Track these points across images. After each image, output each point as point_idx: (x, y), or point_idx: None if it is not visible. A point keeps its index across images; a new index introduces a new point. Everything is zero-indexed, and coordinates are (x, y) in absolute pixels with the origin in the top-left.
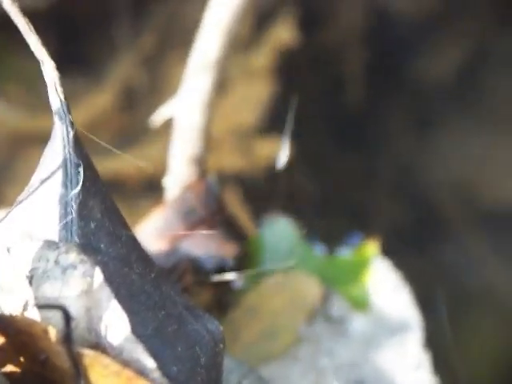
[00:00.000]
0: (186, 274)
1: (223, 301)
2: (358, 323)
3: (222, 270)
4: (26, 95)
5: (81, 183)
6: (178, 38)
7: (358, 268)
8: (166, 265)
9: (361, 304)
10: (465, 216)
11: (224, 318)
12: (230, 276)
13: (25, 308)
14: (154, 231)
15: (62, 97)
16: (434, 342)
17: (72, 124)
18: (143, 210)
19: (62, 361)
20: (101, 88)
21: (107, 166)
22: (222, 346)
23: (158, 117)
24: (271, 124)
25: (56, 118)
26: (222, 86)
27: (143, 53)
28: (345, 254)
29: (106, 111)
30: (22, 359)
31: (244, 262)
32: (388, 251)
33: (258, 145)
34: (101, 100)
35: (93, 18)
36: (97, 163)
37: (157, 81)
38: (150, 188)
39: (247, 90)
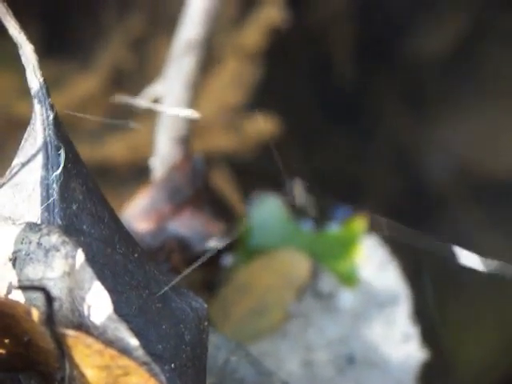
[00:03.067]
0: (173, 254)
1: (212, 279)
2: (347, 298)
3: (209, 249)
4: (17, 78)
5: (62, 165)
6: (166, 20)
7: (346, 243)
8: (153, 244)
9: (349, 279)
10: (457, 191)
11: (214, 297)
12: (218, 254)
13: (8, 290)
14: (140, 211)
15: (41, 80)
16: (422, 315)
17: (52, 107)
18: (131, 192)
19: (46, 342)
20: (88, 71)
21: (95, 150)
22: (206, 323)
23: (144, 98)
24: (260, 103)
25: (35, 102)
26: (210, 65)
27: (131, 35)
28: (333, 229)
29: (93, 94)
30: (6, 341)
31: (233, 240)
32: (377, 226)
33: (247, 123)
34: (88, 83)
35: (80, 1)
36: (84, 147)
37: (144, 63)
38: (138, 171)
39: (236, 69)
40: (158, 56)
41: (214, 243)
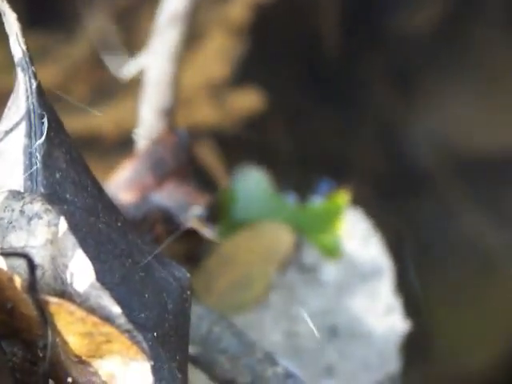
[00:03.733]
0: (156, 225)
1: (196, 251)
2: (330, 271)
3: (193, 220)
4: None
5: (45, 134)
6: None
7: (329, 217)
8: (137, 216)
9: (333, 252)
10: (442, 167)
11: (197, 269)
12: (202, 226)
13: None
14: (124, 183)
15: (25, 48)
16: (405, 287)
17: (35, 75)
18: (116, 163)
19: (29, 309)
20: (74, 42)
21: (81, 121)
22: (189, 292)
23: (128, 70)
24: (245, 77)
25: (18, 70)
26: (195, 39)
27: (116, 6)
28: (316, 202)
29: (78, 66)
30: None
31: (216, 212)
32: (360, 200)
33: (232, 97)
34: (74, 54)
35: None
36: (70, 119)
37: (130, 35)
38: (125, 143)
39: (221, 43)
40: (143, 28)
41: (197, 212)
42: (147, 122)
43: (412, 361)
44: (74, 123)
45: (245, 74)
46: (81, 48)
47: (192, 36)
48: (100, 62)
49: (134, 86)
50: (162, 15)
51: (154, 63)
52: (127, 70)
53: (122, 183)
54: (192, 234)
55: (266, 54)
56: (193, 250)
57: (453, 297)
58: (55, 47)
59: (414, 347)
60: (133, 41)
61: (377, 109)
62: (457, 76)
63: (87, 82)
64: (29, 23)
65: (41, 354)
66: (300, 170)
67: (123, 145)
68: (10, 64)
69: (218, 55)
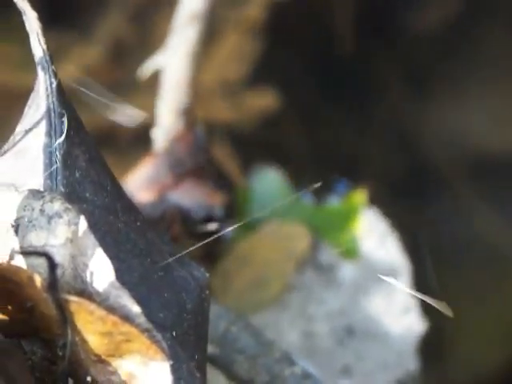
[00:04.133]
0: (173, 224)
1: (213, 251)
2: (347, 271)
3: (210, 220)
4: (18, 52)
5: (65, 133)
6: None
7: (346, 216)
8: (154, 215)
9: (350, 252)
10: (457, 167)
11: (214, 268)
12: (219, 226)
13: (11, 256)
14: (142, 182)
15: (45, 47)
16: (422, 287)
17: (55, 74)
18: (133, 162)
19: (49, 308)
20: (90, 42)
21: (98, 118)
22: (208, 292)
23: (145, 69)
24: (261, 76)
25: (39, 69)
26: (212, 38)
27: (132, 6)
28: (333, 202)
29: (95, 65)
30: (9, 307)
31: (233, 212)
32: (378, 201)
33: (248, 96)
34: (90, 54)
35: None
36: (87, 116)
37: (146, 34)
38: (140, 141)
39: (237, 43)
40: (159, 27)
41: (216, 215)
42: (165, 120)
43: (429, 361)
44: (90, 121)
45: (260, 73)
46: (96, 48)
47: (208, 35)
48: (116, 62)
49: (150, 84)
50: (179, 14)
51: (171, 62)
52: (144, 69)
53: (139, 182)
54: (209, 233)
55: (281, 53)
56: (210, 249)
57: (468, 296)
58: (70, 47)
59: (431, 347)
60: (149, 40)
61: (391, 108)
62: (471, 75)
63: (102, 81)
64: (43, 23)
65: (60, 353)
66: (315, 170)
67: (138, 143)
68: (27, 62)
69: (234, 54)
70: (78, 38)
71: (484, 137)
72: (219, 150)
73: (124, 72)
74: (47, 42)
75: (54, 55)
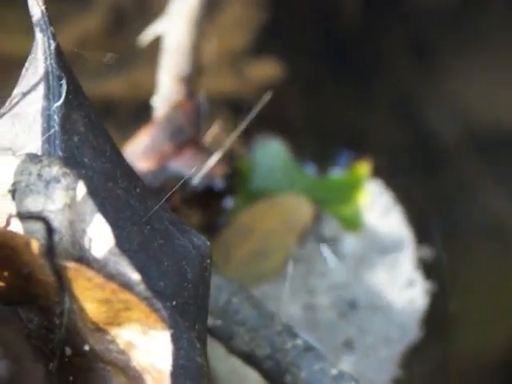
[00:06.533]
0: (174, 194)
1: (214, 221)
2: (350, 243)
3: (211, 190)
4: (15, 16)
5: (63, 96)
6: None
7: (349, 188)
8: (154, 184)
9: (353, 224)
10: (461, 141)
11: (215, 239)
12: (220, 196)
13: (8, 222)
14: (141, 150)
15: (43, 7)
16: (426, 262)
17: (54, 36)
18: (133, 131)
19: (46, 274)
20: (89, 10)
21: (96, 87)
22: (209, 261)
23: (146, 36)
24: (264, 47)
25: (37, 30)
26: (214, 7)
27: None
28: (336, 174)
29: (94, 33)
30: (5, 273)
31: (235, 182)
32: (382, 173)
33: (250, 66)
34: (89, 22)
35: None
36: (86, 86)
37: (145, 2)
38: (141, 109)
39: (241, 12)
40: None
41: (216, 184)
42: (165, 88)
43: (432, 335)
44: (89, 89)
45: (263, 43)
46: (95, 15)
47: (211, 4)
48: (116, 30)
49: (150, 52)
50: None
51: (172, 29)
52: (145, 35)
53: (139, 151)
54: (210, 203)
55: (284, 24)
56: (211, 219)
57: (471, 271)
58: (69, 15)
59: (434, 321)
60: (149, 8)
61: (397, 81)
62: (479, 50)
63: (102, 49)
64: None
65: (57, 321)
66: (318, 142)
67: (139, 111)
68: (25, 26)
69: (237, 24)
70: (76, 6)
71: (490, 111)
72: (222, 120)
73: (124, 41)
74: (46, 4)
75: (53, 24)
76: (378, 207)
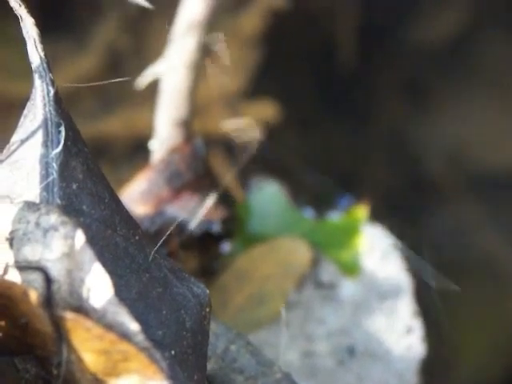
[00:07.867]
0: (171, 238)
1: (211, 266)
2: (348, 288)
3: (208, 234)
4: (15, 60)
5: (62, 143)
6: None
7: (347, 232)
8: (151, 229)
9: (351, 269)
10: (457, 181)
11: (212, 284)
12: (217, 240)
13: (5, 271)
14: (139, 195)
15: (42, 54)
16: (424, 307)
17: (53, 82)
18: (129, 174)
19: (44, 324)
20: (85, 51)
21: (93, 129)
22: (208, 309)
23: (143, 79)
24: (260, 88)
25: (36, 76)
26: (210, 49)
27: (128, 15)
28: (334, 218)
29: (90, 74)
30: (2, 323)
31: (232, 226)
32: (378, 216)
33: (246, 108)
34: (85, 63)
35: None
36: (82, 126)
37: (141, 44)
38: (137, 152)
39: (236, 54)
40: (155, 36)
41: (214, 229)
42: (163, 131)
43: (431, 383)
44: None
45: (259, 85)
46: (91, 56)
47: (208, 46)
48: (112, 72)
49: (147, 94)
50: (177, 24)
51: (169, 73)
52: (142, 78)
53: (136, 195)
54: (207, 248)
55: (280, 64)
56: (208, 263)
57: (468, 312)
58: (65, 55)
59: (433, 369)
60: (143, 50)
61: (391, 122)
62: (471, 90)
63: (98, 91)
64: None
65: (55, 372)
66: (315, 184)
67: (134, 152)
68: (24, 70)
69: (232, 65)
70: (73, 47)
71: (483, 150)
72: (218, 162)
73: (120, 82)
74: (44, 50)
75: (50, 65)
76: (376, 251)
